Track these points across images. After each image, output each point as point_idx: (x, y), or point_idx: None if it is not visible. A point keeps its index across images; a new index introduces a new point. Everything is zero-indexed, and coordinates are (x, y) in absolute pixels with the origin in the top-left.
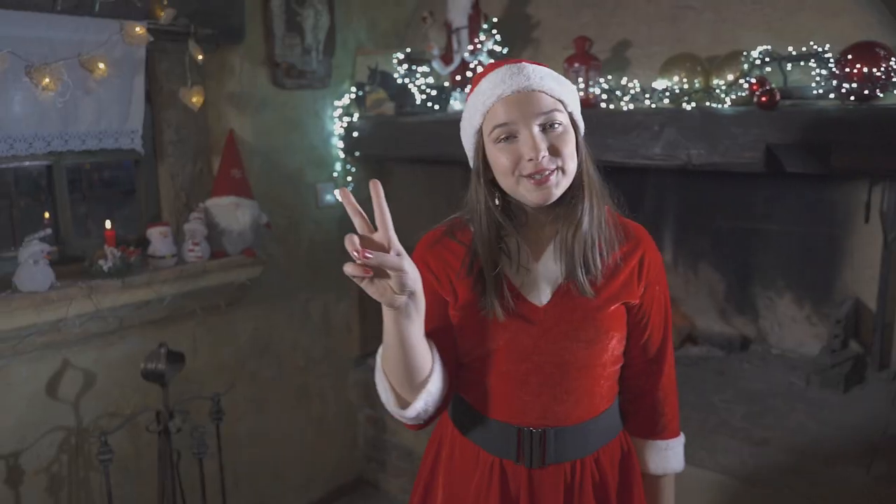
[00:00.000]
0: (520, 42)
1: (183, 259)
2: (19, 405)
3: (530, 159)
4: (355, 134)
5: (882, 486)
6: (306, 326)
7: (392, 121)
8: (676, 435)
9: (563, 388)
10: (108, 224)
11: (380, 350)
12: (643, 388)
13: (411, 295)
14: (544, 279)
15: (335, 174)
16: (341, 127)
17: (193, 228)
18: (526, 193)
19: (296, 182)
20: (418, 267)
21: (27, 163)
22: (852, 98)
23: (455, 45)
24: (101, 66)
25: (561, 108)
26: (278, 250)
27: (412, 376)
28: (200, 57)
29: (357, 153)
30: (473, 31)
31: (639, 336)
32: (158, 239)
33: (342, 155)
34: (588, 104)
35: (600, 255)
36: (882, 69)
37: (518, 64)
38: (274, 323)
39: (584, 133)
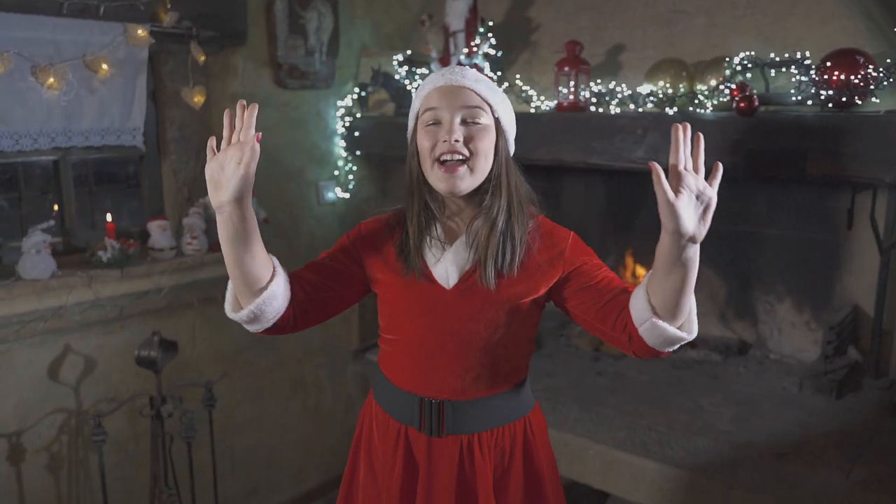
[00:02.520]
0: (518, 45)
1: (182, 252)
2: (22, 387)
3: (444, 140)
4: (357, 133)
5: (858, 491)
6: None
7: (392, 121)
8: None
9: (463, 365)
10: (108, 217)
11: None
12: (622, 303)
13: (237, 199)
14: (454, 263)
15: (336, 172)
16: (343, 126)
17: (192, 223)
18: (437, 180)
19: (297, 179)
20: (353, 233)
21: (34, 158)
22: (830, 105)
23: (452, 48)
24: (105, 66)
25: (486, 109)
26: (279, 244)
27: (247, 282)
28: (202, 58)
29: (358, 152)
30: (470, 35)
31: (595, 288)
32: (157, 232)
33: (344, 154)
34: (576, 108)
35: (514, 253)
36: (860, 77)
37: (458, 65)
38: None
39: (556, 137)
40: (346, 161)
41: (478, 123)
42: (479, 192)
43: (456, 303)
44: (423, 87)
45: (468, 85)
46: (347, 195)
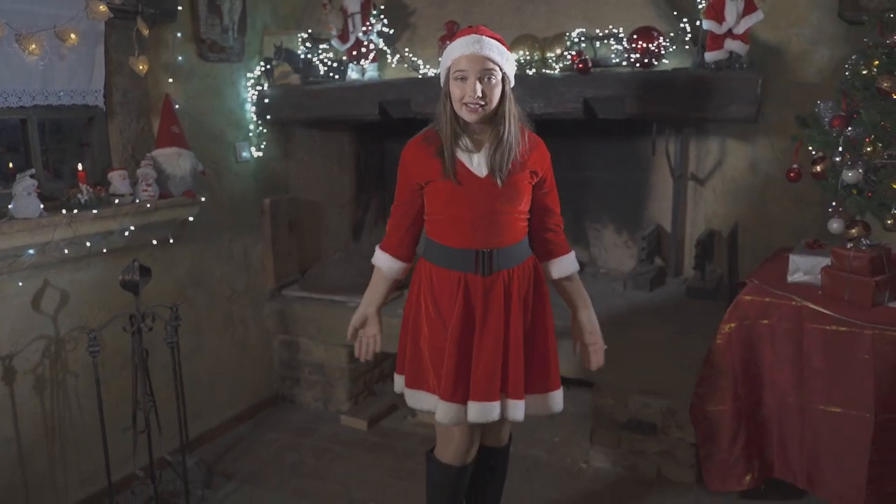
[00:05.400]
0: (400, 25)
1: (138, 198)
2: (13, 315)
3: (469, 94)
4: (266, 101)
5: (673, 337)
6: (230, 262)
7: (299, 89)
8: (569, 251)
9: (497, 226)
10: (80, 167)
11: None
12: (546, 226)
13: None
14: (482, 163)
15: (250, 134)
16: (253, 95)
17: (146, 172)
18: (464, 114)
19: (219, 140)
20: (401, 164)
21: (5, 117)
22: (637, 65)
23: (350, 27)
24: (73, 36)
25: (497, 69)
26: (208, 196)
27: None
28: (146, 31)
29: (268, 117)
30: (365, 16)
31: (542, 196)
32: (118, 180)
33: (255, 118)
34: None
35: (512, 155)
36: (656, 46)
37: (480, 36)
38: (206, 258)
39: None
40: (257, 125)
41: (491, 80)
42: (492, 119)
43: (486, 188)
44: (453, 50)
45: (486, 54)
46: (260, 153)
